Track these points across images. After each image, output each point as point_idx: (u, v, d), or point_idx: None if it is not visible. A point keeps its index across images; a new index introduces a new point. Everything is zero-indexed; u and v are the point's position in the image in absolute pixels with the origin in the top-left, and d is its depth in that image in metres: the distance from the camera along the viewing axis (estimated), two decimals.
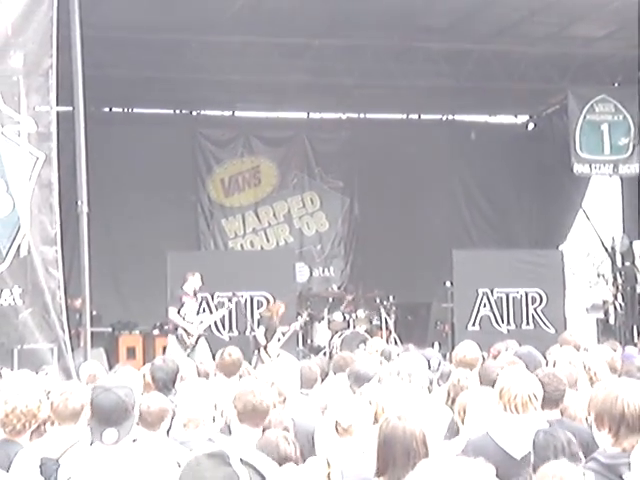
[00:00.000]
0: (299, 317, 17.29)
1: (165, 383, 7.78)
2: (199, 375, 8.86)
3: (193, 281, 15.38)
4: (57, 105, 11.60)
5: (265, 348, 15.83)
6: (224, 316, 16.86)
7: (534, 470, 4.59)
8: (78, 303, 13.12)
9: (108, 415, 4.75)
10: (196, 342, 15.02)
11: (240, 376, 8.80)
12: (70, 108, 11.96)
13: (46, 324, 11.29)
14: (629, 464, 3.59)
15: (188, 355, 14.15)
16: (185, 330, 15.06)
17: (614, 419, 3.76)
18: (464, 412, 6.12)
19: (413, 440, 4.40)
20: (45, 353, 11.08)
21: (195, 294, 15.47)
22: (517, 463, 5.19)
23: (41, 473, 5.32)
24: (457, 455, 5.89)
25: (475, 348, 9.19)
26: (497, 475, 5.22)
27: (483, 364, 8.15)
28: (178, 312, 15.16)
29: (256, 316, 17.10)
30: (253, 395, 5.96)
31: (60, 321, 11.30)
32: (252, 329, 16.75)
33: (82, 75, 11.76)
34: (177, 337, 15.13)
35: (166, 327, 16.02)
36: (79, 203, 11.67)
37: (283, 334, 16.25)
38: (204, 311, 16.21)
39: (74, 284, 12.84)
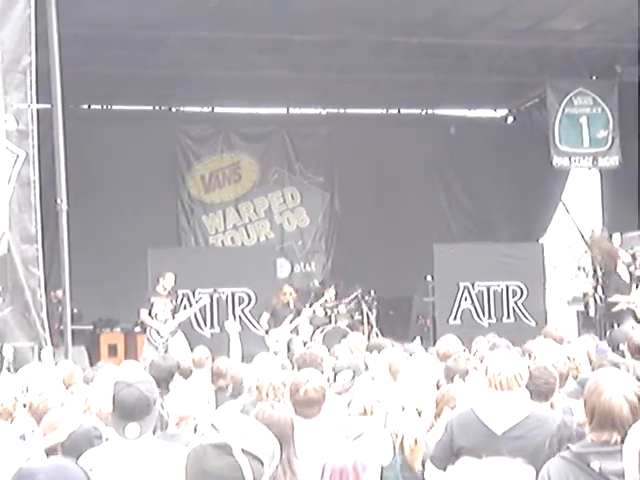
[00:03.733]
0: (313, 304, 17.25)
1: (158, 382, 7.74)
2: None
3: (163, 282, 15.33)
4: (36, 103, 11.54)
5: (267, 333, 15.94)
6: (205, 312, 16.83)
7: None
8: (59, 294, 13.04)
9: (131, 410, 4.75)
10: (167, 340, 14.97)
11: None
12: (48, 106, 11.90)
13: (27, 322, 11.24)
14: (598, 453, 3.71)
15: (165, 352, 14.09)
16: (156, 330, 15.05)
17: (588, 411, 3.88)
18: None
19: (286, 425, 4.68)
20: (26, 351, 11.04)
21: (169, 293, 15.40)
22: (498, 438, 5.33)
23: None
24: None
25: (457, 342, 9.24)
26: (478, 449, 5.33)
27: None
28: (149, 313, 15.15)
29: (237, 312, 17.09)
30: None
31: (41, 319, 11.26)
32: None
33: (60, 72, 11.71)
34: (147, 338, 15.13)
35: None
36: (58, 201, 11.63)
37: (293, 319, 16.33)
38: (185, 308, 16.14)
39: (54, 282, 12.79)
